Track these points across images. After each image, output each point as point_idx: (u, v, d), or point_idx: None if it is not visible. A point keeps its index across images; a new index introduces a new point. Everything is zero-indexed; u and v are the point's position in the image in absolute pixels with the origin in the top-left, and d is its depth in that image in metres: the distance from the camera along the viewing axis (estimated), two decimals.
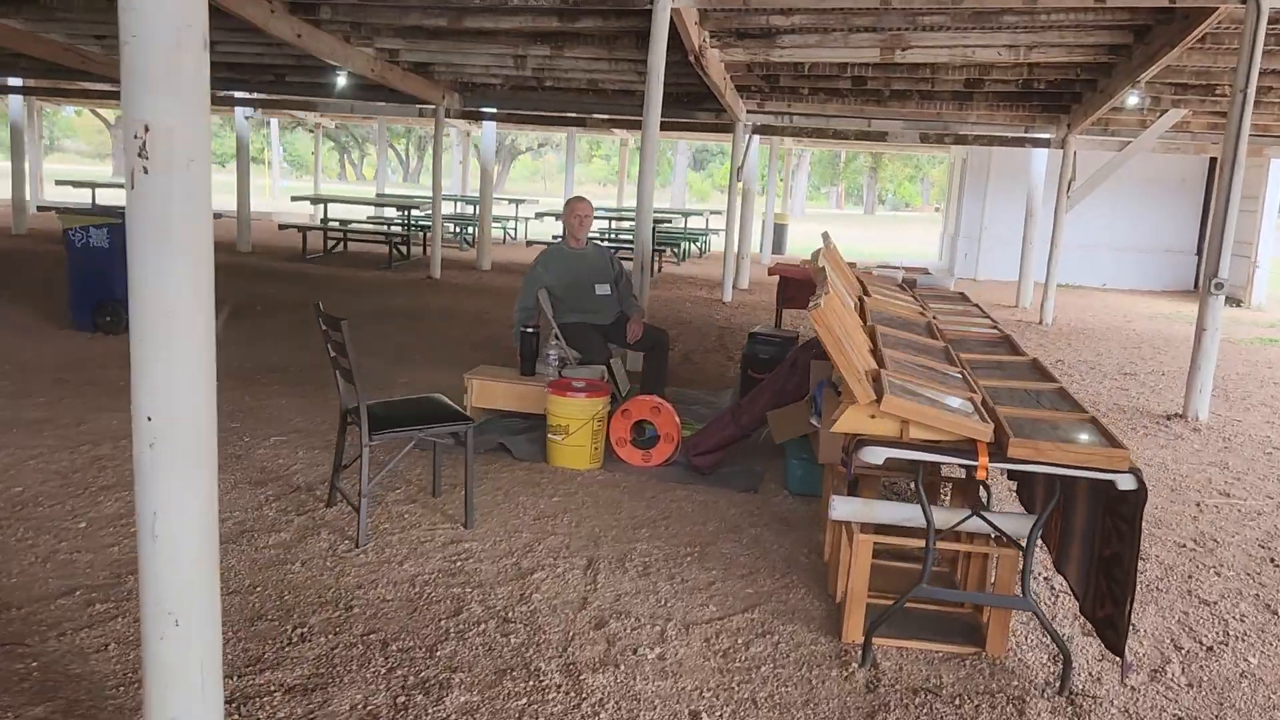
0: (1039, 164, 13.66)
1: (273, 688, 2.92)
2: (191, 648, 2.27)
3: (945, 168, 29.78)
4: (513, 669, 3.10)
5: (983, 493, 4.22)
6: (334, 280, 12.71)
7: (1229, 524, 4.88)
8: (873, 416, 3.05)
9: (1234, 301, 15.03)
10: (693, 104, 12.21)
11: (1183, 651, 3.48)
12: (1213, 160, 15.78)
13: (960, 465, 3.08)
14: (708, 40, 8.78)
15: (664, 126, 12.93)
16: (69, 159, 49.32)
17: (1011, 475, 4.38)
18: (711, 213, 21.12)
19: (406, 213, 15.79)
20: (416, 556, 3.92)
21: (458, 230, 19.09)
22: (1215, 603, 3.92)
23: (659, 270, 15.80)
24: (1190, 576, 4.18)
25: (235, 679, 2.96)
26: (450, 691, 2.95)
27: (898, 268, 7.05)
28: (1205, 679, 3.30)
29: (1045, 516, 3.16)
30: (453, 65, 11.49)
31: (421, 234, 15.98)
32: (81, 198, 19.84)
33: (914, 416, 2.97)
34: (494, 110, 13.89)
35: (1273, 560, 4.43)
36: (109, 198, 17.71)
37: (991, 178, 17.96)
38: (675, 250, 17.79)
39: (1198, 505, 5.15)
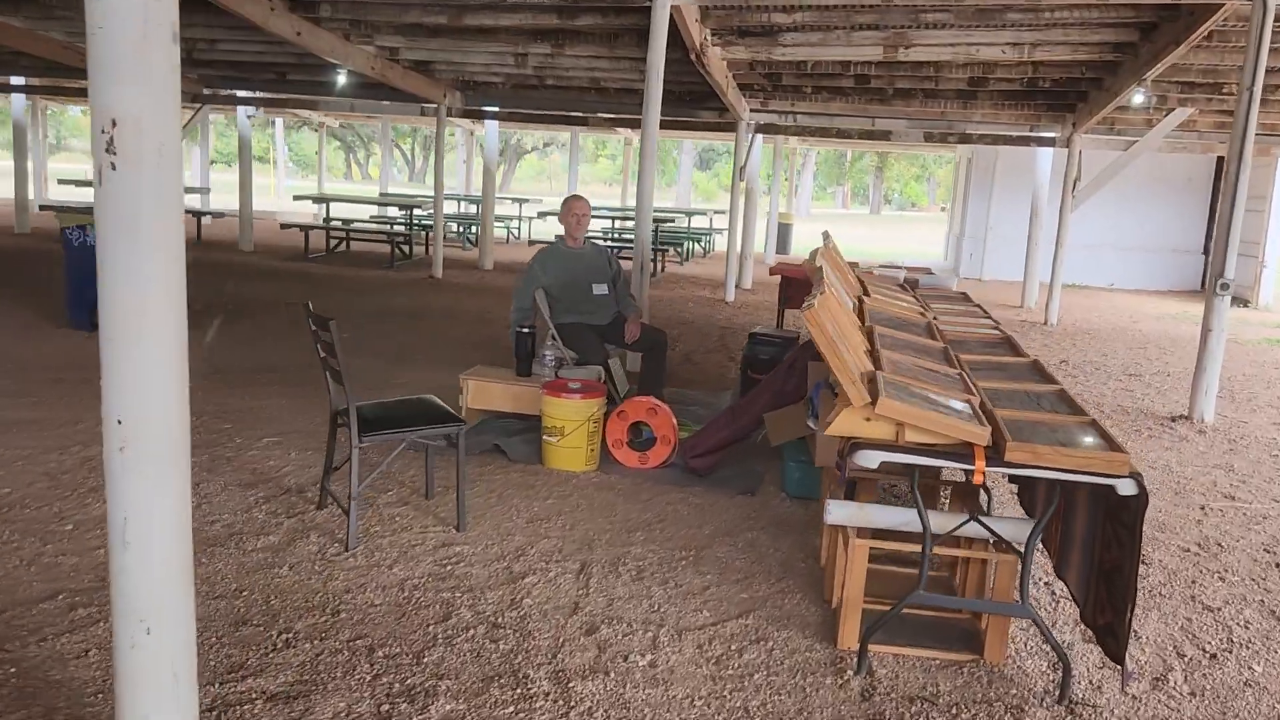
0: (1044, 163, 13.57)
1: (254, 695, 2.86)
2: (164, 656, 2.22)
3: (951, 167, 29.67)
4: (500, 676, 3.04)
5: (983, 496, 4.15)
6: (336, 280, 12.67)
7: (1234, 528, 4.81)
8: (867, 419, 2.98)
9: (1241, 302, 14.94)
10: (695, 103, 12.15)
11: (1185, 659, 3.41)
12: (1220, 159, 15.68)
13: (957, 469, 3.01)
14: (709, 38, 8.72)
15: (666, 125, 12.88)
16: (76, 158, 49.34)
17: (1013, 479, 4.32)
18: (715, 212, 21.03)
19: (409, 212, 15.73)
20: (406, 560, 3.86)
21: (461, 230, 19.04)
22: (1219, 609, 3.85)
23: (662, 270, 15.73)
24: (1194, 582, 4.10)
25: (216, 686, 2.90)
26: (436, 699, 2.89)
27: (899, 268, 6.97)
28: (1208, 687, 3.23)
29: (1044, 522, 3.10)
30: (454, 63, 11.43)
31: (424, 234, 15.93)
32: (84, 197, 19.81)
33: (909, 419, 2.91)
34: (496, 109, 13.83)
35: (1278, 565, 4.35)
36: None
37: (997, 177, 17.86)
38: (678, 250, 17.73)
39: (1202, 509, 5.07)
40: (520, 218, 21.62)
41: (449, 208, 20.85)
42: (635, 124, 13.45)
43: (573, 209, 6.06)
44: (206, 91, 14.09)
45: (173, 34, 2.02)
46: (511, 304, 6.01)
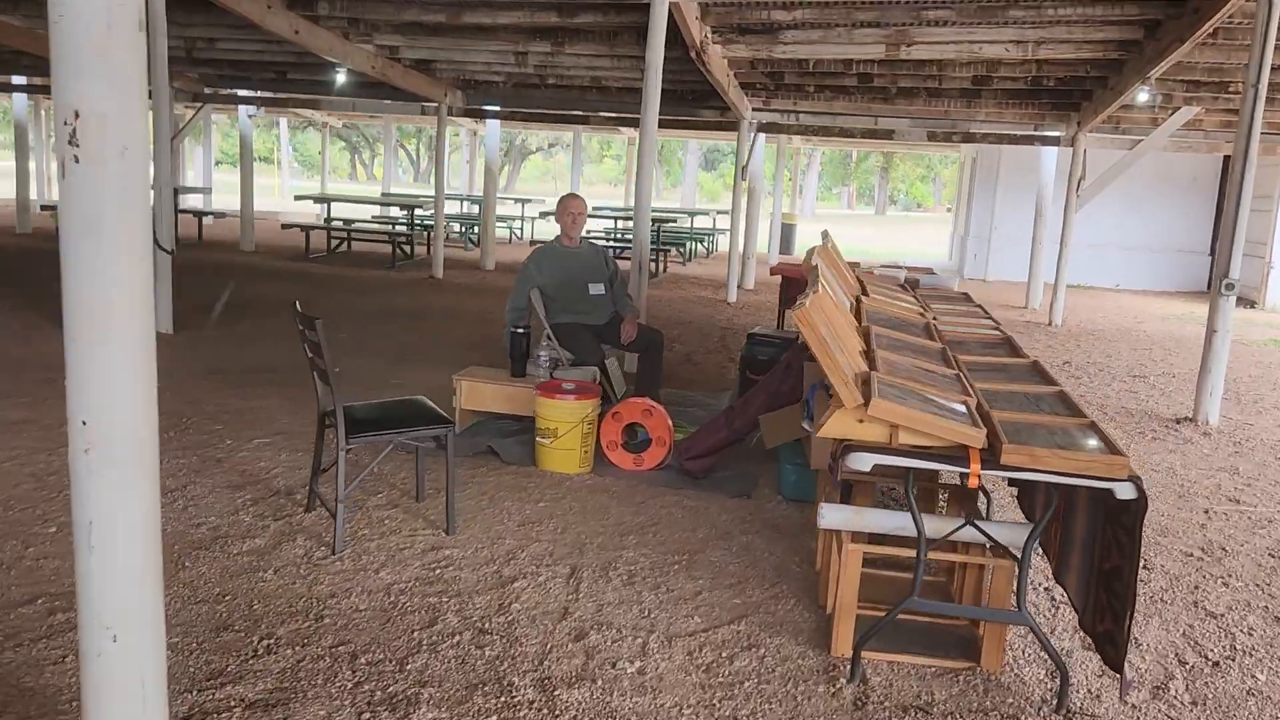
0: (1049, 163, 13.48)
1: (233, 703, 2.80)
2: (132, 665, 2.15)
3: (956, 168, 29.56)
4: (485, 683, 2.97)
5: (983, 500, 4.08)
6: (336, 280, 12.62)
7: (1238, 532, 4.73)
8: (860, 421, 2.91)
9: (1247, 303, 14.83)
10: (697, 102, 12.08)
11: (1187, 667, 3.33)
12: (1226, 159, 15.54)
13: (952, 473, 2.94)
14: (709, 36, 8.65)
15: (668, 124, 12.84)
16: None
17: (1012, 481, 4.25)
18: (718, 212, 20.95)
19: (410, 212, 15.69)
20: (394, 564, 3.80)
21: (463, 230, 18.99)
22: (1222, 615, 3.77)
23: (664, 270, 15.66)
24: (1196, 587, 4.03)
25: (194, 693, 2.84)
26: (418, 708, 2.82)
27: (900, 268, 6.89)
28: (1210, 696, 3.15)
29: (1042, 527, 3.02)
30: (454, 62, 11.38)
31: (426, 234, 15.88)
32: None
33: (903, 421, 2.84)
34: (497, 108, 13.77)
35: None
36: None
37: (1001, 177, 17.76)
38: (681, 250, 17.66)
39: (1206, 512, 4.99)
40: (523, 218, 21.57)
41: (452, 208, 20.80)
42: (637, 123, 13.38)
43: (568, 208, 6.00)
44: (207, 91, 14.05)
45: (138, 23, 1.95)
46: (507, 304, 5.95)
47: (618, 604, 3.56)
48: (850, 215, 48.63)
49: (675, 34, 7.77)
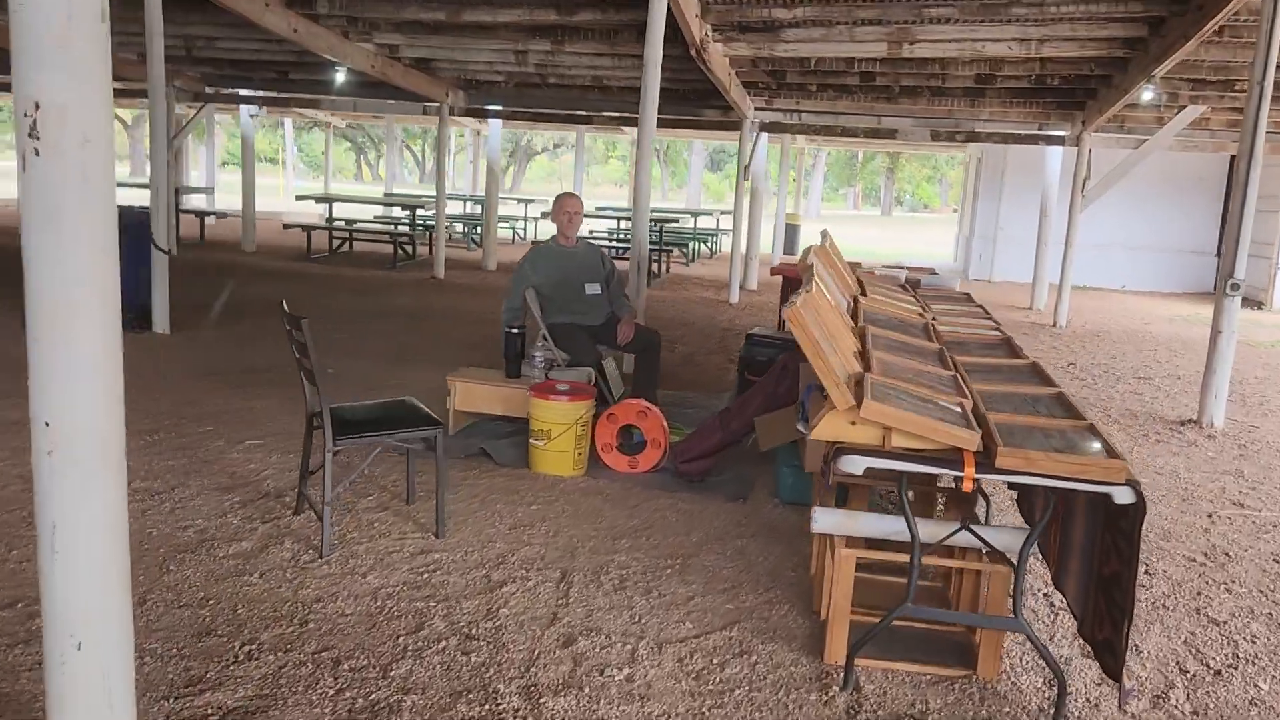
0: (1054, 162, 13.38)
1: (210, 711, 2.74)
2: (96, 673, 2.09)
3: (962, 169, 29.46)
4: (469, 691, 2.91)
5: (981, 504, 4.01)
6: (337, 280, 12.58)
7: (1242, 536, 4.64)
8: (853, 423, 2.85)
9: (1254, 304, 14.72)
10: (699, 101, 12.02)
11: (1188, 675, 3.26)
12: (1233, 158, 15.41)
13: (946, 476, 2.87)
14: (709, 34, 8.58)
15: (670, 124, 12.79)
16: None
17: (1012, 485, 4.17)
18: (722, 213, 20.87)
19: (412, 212, 15.64)
20: (382, 568, 3.73)
21: (466, 230, 18.95)
22: (1225, 622, 3.69)
23: (667, 271, 15.59)
24: (1199, 593, 3.95)
25: (172, 700, 2.78)
26: (400, 716, 2.76)
27: (902, 268, 6.82)
28: (1211, 705, 3.08)
29: (1039, 532, 2.95)
30: (455, 61, 11.33)
31: (428, 234, 15.84)
32: None
33: (895, 423, 2.77)
34: (499, 108, 13.72)
35: None
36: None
37: (1007, 177, 17.65)
38: (684, 250, 17.60)
39: (1210, 516, 4.91)
40: (526, 218, 21.52)
41: (455, 208, 20.75)
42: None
43: (564, 207, 5.94)
44: (209, 90, 14.02)
45: (100, 14, 1.89)
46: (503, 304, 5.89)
47: (608, 609, 3.50)
48: (856, 216, 48.53)
49: (675, 32, 7.70)
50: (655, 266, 14.62)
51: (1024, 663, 3.26)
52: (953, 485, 3.58)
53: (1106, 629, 2.88)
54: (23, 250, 1.94)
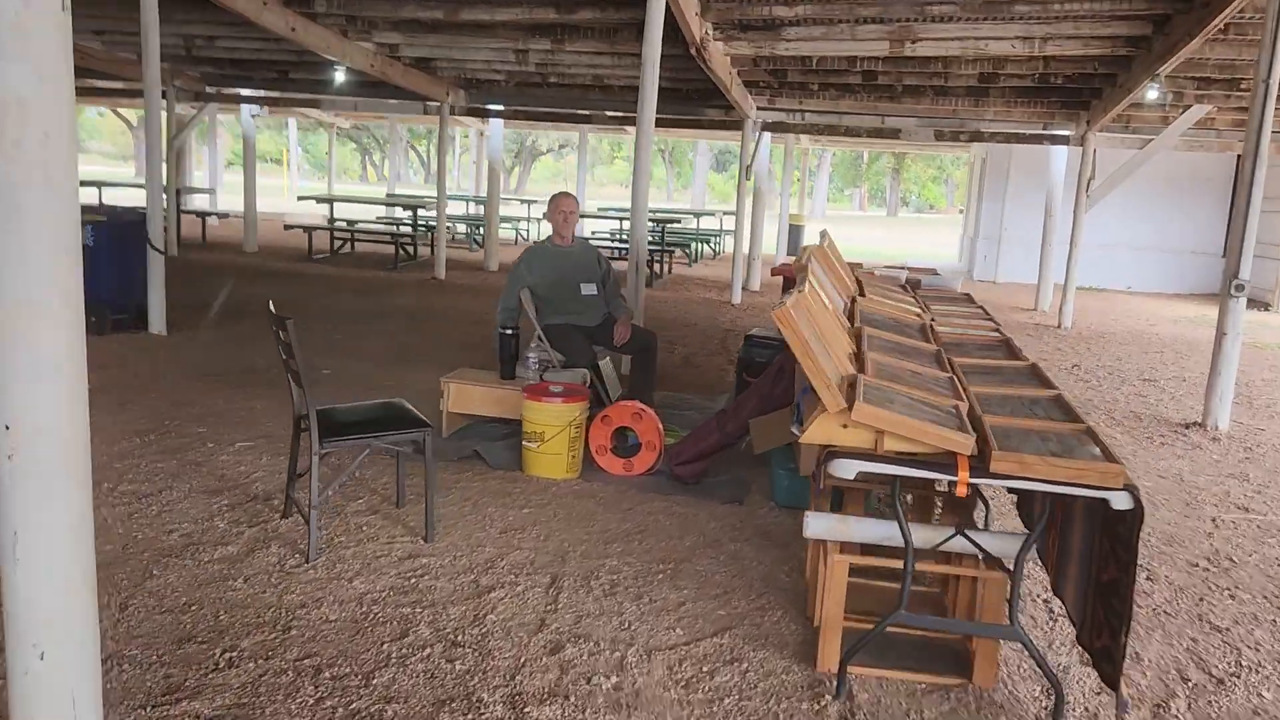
0: (1059, 162, 13.28)
1: None
2: (60, 684, 2.03)
3: (968, 169, 29.34)
4: (453, 700, 2.85)
5: (981, 509, 3.94)
6: (338, 281, 12.53)
7: (1246, 541, 4.57)
8: (844, 425, 2.78)
9: (1261, 305, 14.61)
10: (701, 100, 11.95)
11: (1189, 684, 3.18)
12: (1239, 158, 15.33)
13: (940, 480, 2.81)
14: (710, 32, 8.51)
15: (671, 123, 12.72)
16: (93, 160, 49.47)
17: (1011, 489, 4.10)
18: (725, 213, 20.81)
19: (414, 213, 15.59)
20: (369, 572, 3.67)
21: (469, 231, 18.90)
22: (1228, 629, 3.62)
23: (669, 271, 15.52)
24: (1201, 599, 3.87)
25: (148, 709, 2.72)
26: None
27: (903, 268, 6.74)
28: (1213, 715, 3.00)
29: (1035, 538, 2.88)
30: (455, 61, 11.27)
31: (429, 234, 15.79)
32: (88, 196, 19.75)
33: (887, 426, 2.70)
34: (500, 107, 13.67)
35: None
36: (114, 197, 17.57)
37: (1011, 177, 17.55)
38: (686, 251, 17.53)
39: (1213, 520, 4.83)
40: (528, 219, 21.47)
41: (458, 209, 20.71)
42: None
43: (560, 206, 5.87)
44: (209, 90, 13.98)
45: (61, 2, 1.84)
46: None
47: (597, 615, 3.43)
48: (862, 217, 48.43)
49: (676, 31, 7.64)
50: (656, 267, 14.54)
51: (1021, 671, 3.19)
52: (949, 490, 3.52)
53: (1104, 636, 2.81)
54: None
